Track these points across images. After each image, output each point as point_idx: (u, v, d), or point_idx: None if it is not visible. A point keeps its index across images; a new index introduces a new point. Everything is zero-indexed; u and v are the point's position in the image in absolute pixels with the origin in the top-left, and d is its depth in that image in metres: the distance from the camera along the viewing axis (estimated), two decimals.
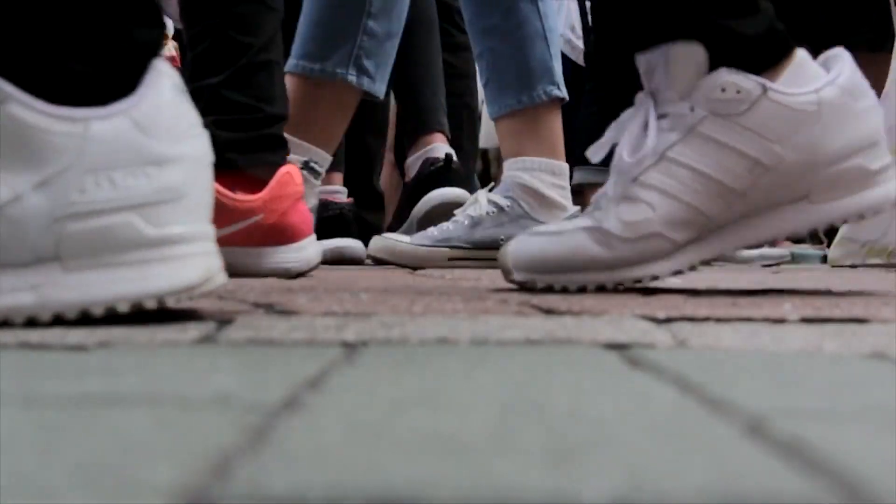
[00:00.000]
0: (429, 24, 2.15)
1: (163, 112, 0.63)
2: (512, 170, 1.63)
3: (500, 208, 1.62)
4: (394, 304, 0.73)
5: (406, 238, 1.68)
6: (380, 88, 1.71)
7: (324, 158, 1.64)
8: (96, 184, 0.61)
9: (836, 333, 0.58)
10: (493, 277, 1.22)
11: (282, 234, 1.33)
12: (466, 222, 1.65)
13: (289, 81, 1.51)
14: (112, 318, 0.60)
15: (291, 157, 1.41)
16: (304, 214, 1.36)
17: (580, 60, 2.82)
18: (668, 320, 0.63)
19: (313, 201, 1.59)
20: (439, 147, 2.08)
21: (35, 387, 0.40)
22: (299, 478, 0.24)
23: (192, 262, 0.63)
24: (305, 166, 1.57)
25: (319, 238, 1.42)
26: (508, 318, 0.64)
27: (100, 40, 0.64)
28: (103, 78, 0.63)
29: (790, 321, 0.63)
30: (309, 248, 1.36)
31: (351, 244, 1.95)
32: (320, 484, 0.24)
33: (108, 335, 0.55)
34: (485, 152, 4.68)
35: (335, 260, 1.91)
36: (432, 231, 1.68)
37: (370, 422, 0.32)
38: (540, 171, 1.60)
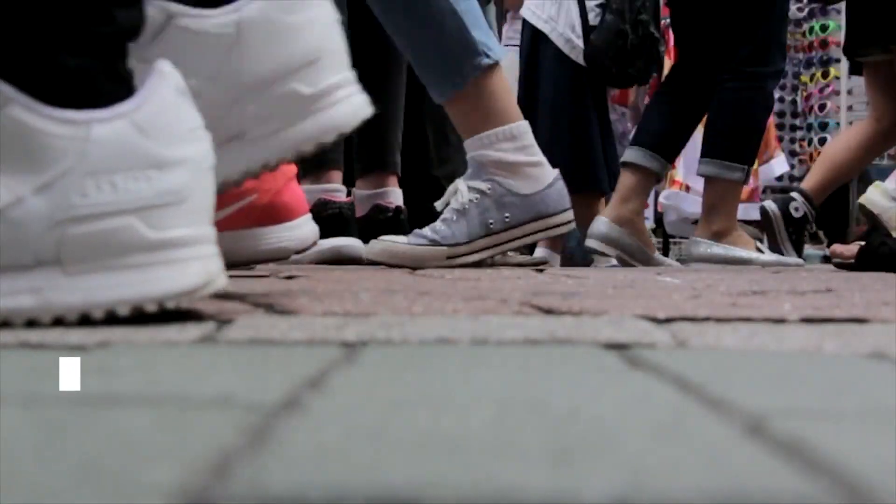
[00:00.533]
0: (398, 57, 2.12)
1: (164, 115, 0.63)
2: (475, 150, 1.62)
3: (482, 192, 1.62)
4: (394, 304, 0.73)
5: (403, 238, 1.68)
6: None
7: None
8: (97, 187, 0.61)
9: (836, 333, 0.58)
10: (492, 277, 1.22)
11: (277, 214, 1.34)
12: (455, 217, 1.64)
13: None
14: (112, 318, 0.60)
15: None
16: (297, 193, 1.38)
17: (580, 60, 2.82)
18: (668, 320, 0.63)
19: None
20: (392, 192, 2.11)
21: (35, 387, 0.40)
22: (299, 478, 0.24)
23: (193, 265, 0.63)
24: None
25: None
26: (508, 318, 0.64)
27: (83, 26, 0.63)
28: (96, 70, 0.63)
29: (790, 321, 0.63)
30: (304, 227, 1.37)
31: (349, 243, 1.95)
32: (320, 484, 0.24)
33: (108, 335, 0.55)
34: None
35: (334, 259, 1.91)
36: (426, 232, 1.67)
37: (370, 422, 0.32)
38: (499, 141, 1.60)
